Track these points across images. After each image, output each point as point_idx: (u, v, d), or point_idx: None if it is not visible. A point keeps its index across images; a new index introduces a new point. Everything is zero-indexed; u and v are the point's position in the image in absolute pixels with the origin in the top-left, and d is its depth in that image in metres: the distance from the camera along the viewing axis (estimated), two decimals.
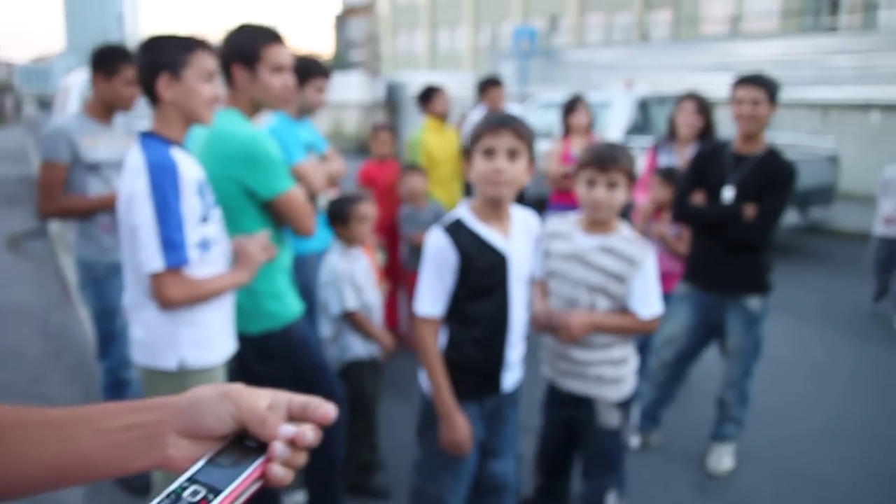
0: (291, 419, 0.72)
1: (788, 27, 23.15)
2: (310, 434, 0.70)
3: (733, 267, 3.30)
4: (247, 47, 2.40)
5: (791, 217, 8.37)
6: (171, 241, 1.96)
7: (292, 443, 0.69)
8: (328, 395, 2.71)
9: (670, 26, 28.49)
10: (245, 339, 2.48)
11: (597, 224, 2.42)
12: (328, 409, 0.73)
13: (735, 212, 3.22)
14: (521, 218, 2.26)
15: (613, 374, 2.47)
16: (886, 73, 11.68)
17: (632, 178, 2.36)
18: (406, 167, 4.79)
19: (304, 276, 3.17)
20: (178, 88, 2.04)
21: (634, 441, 2.68)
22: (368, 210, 3.21)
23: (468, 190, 5.46)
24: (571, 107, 5.06)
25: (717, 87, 9.92)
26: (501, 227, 2.17)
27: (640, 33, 29.70)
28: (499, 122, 2.06)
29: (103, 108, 3.31)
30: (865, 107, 11.65)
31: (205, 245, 2.08)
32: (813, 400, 4.16)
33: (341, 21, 52.72)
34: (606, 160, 2.31)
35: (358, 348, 3.16)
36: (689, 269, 3.53)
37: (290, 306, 2.58)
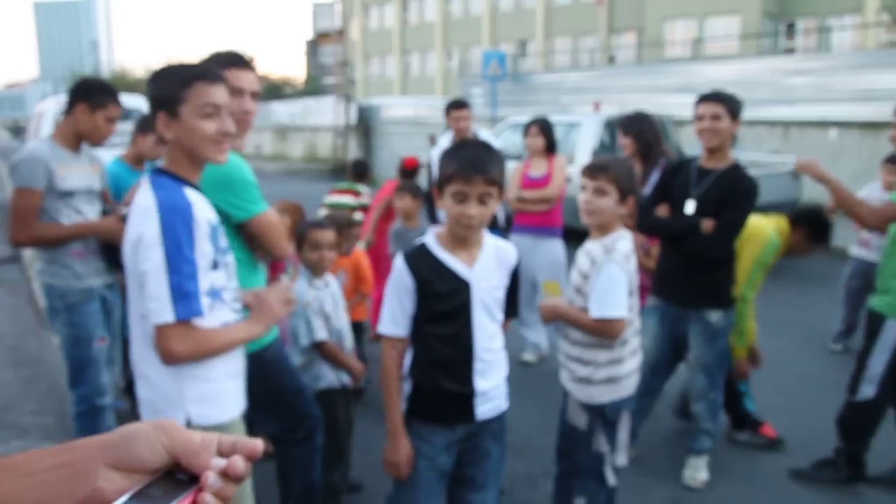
0: (221, 456, 0.73)
1: (748, 49, 23.77)
2: (240, 464, 0.71)
3: (693, 280, 3.38)
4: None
5: None
6: (183, 291, 1.80)
7: (224, 474, 0.70)
8: (305, 417, 2.74)
9: (635, 49, 29.06)
10: None
11: (593, 229, 2.66)
12: (256, 445, 0.74)
13: (694, 224, 3.31)
14: (494, 246, 2.26)
15: (583, 374, 2.64)
16: (841, 91, 12.05)
17: (622, 187, 2.56)
18: (400, 186, 4.87)
19: None
20: (177, 127, 1.90)
21: (621, 460, 2.69)
22: (323, 237, 3.11)
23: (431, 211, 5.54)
24: (527, 130, 5.17)
25: (681, 107, 10.16)
26: (467, 254, 2.18)
27: (606, 56, 30.23)
28: (472, 170, 2.04)
29: (74, 137, 3.28)
30: (823, 124, 11.99)
31: (214, 293, 1.91)
32: (785, 411, 4.24)
33: (313, 47, 52.98)
34: (594, 169, 2.58)
35: (329, 377, 3.13)
36: (655, 282, 3.61)
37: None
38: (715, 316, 3.39)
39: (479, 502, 2.33)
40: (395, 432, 2.20)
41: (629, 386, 2.69)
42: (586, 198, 2.59)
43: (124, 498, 0.67)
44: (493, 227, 4.53)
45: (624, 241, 2.60)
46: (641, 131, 4.37)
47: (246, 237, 2.44)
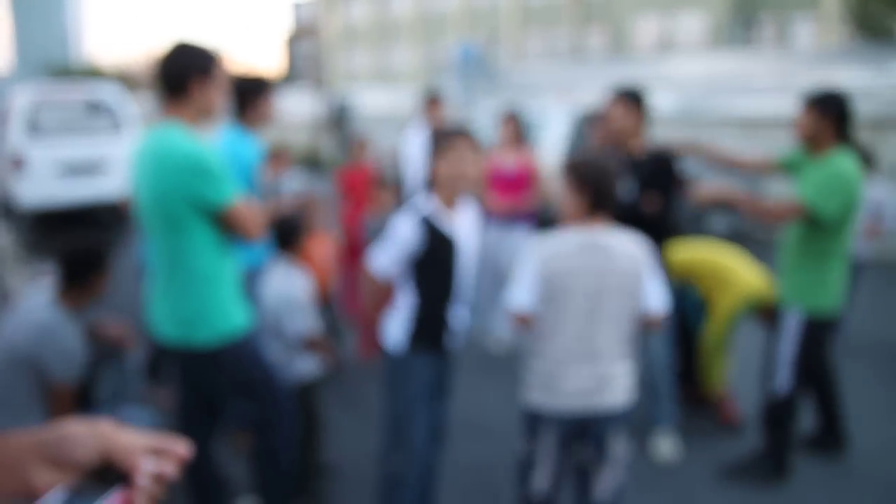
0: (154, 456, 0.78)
1: (717, 41, 24.15)
2: (170, 467, 0.77)
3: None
4: (209, 63, 2.52)
5: (719, 224, 8.85)
6: None
7: (154, 476, 0.75)
8: (277, 409, 2.76)
9: (605, 44, 29.35)
10: (192, 352, 2.53)
11: None
12: (183, 448, 0.79)
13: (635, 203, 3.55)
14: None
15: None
16: (804, 87, 12.39)
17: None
18: (381, 183, 5.10)
19: (258, 290, 3.21)
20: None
21: (540, 481, 2.48)
22: (313, 218, 3.38)
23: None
24: (498, 121, 5.35)
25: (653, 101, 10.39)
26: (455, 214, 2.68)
27: (576, 50, 30.47)
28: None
29: (81, 300, 2.94)
30: (786, 120, 12.32)
31: None
32: (746, 391, 4.46)
33: (294, 41, 52.82)
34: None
35: (308, 368, 3.19)
36: None
37: (238, 319, 2.61)
38: None
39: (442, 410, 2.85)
40: None
41: (565, 398, 2.40)
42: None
43: (54, 492, 0.71)
44: None
45: (567, 237, 2.43)
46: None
47: (221, 224, 2.50)
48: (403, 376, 2.70)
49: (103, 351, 3.14)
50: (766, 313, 3.87)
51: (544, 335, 2.43)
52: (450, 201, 2.64)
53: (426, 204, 2.66)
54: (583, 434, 2.43)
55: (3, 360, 2.68)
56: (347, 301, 5.19)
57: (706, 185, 3.34)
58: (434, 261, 2.64)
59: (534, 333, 2.47)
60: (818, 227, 3.12)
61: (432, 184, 2.64)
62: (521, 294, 2.43)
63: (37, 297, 2.84)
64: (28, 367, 2.66)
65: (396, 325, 2.72)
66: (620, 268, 2.37)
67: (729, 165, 3.61)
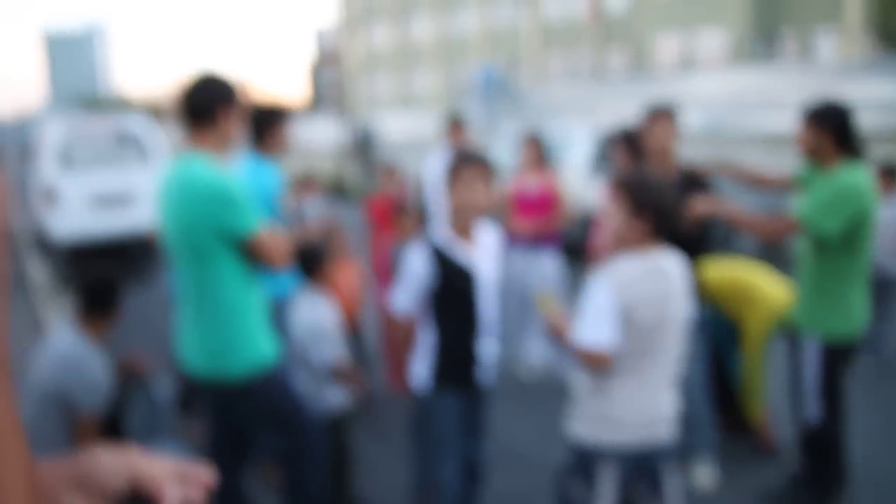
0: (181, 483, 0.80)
1: (739, 57, 24.04)
2: (196, 494, 0.79)
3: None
4: (231, 93, 2.57)
5: (748, 243, 8.73)
6: None
7: (181, 502, 0.78)
8: (307, 441, 2.74)
9: (626, 62, 29.35)
10: (222, 383, 2.54)
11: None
12: (208, 475, 0.82)
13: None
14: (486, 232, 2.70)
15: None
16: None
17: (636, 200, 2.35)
18: (402, 209, 5.08)
19: (285, 321, 3.21)
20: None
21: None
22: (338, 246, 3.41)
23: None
24: (520, 144, 5.34)
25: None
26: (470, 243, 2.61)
27: (598, 69, 30.51)
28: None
29: (101, 327, 3.08)
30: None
31: None
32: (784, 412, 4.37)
33: (317, 69, 53.80)
34: (613, 185, 2.41)
35: (337, 399, 3.17)
36: None
37: (266, 350, 2.60)
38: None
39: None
40: None
41: (628, 432, 2.27)
42: (604, 217, 2.37)
43: None
44: None
45: (633, 264, 2.27)
46: (632, 143, 4.49)
47: (246, 252, 2.51)
48: (431, 417, 2.62)
49: (131, 382, 3.18)
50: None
51: (618, 372, 2.24)
52: (463, 231, 2.58)
53: (439, 234, 2.61)
54: (640, 471, 2.32)
55: (35, 393, 2.74)
56: (378, 332, 5.18)
57: (700, 201, 3.21)
58: (451, 293, 2.56)
59: (603, 371, 2.26)
60: (827, 247, 2.98)
61: (447, 213, 2.61)
62: (598, 331, 2.20)
63: (64, 329, 2.91)
64: (56, 399, 2.72)
65: (421, 364, 2.65)
66: (678, 293, 2.30)
67: (754, 183, 3.54)
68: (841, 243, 2.96)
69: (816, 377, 3.11)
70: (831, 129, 2.99)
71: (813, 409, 3.15)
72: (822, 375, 3.10)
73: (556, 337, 2.40)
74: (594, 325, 2.22)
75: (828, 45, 24.35)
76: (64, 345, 2.82)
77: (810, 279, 3.13)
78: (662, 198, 2.27)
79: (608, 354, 2.20)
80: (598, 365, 2.23)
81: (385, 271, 5.14)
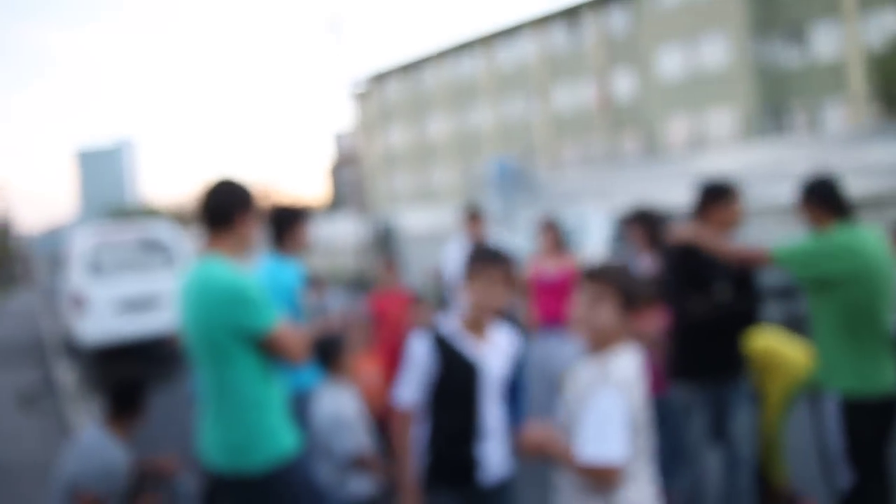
0: None
1: (749, 133, 24.40)
2: None
3: (735, 347, 3.49)
4: (249, 198, 2.68)
5: (775, 311, 8.64)
6: None
7: None
8: None
9: (638, 147, 29.88)
10: (243, 478, 2.53)
11: (589, 345, 2.19)
12: None
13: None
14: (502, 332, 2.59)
15: None
16: (839, 167, 12.38)
17: (624, 293, 2.14)
18: (416, 299, 5.09)
19: (307, 413, 3.23)
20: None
21: None
22: (358, 337, 3.40)
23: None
24: (536, 230, 5.42)
25: (686, 199, 10.46)
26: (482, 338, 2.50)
27: (610, 155, 31.04)
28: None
29: (127, 426, 3.22)
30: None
31: None
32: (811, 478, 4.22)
33: (337, 169, 55.47)
34: (589, 274, 2.19)
35: (360, 488, 3.15)
36: (689, 367, 3.53)
37: (287, 443, 2.60)
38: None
39: None
40: (408, 490, 2.43)
41: None
42: (580, 308, 2.15)
43: None
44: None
45: (626, 361, 2.12)
46: (647, 221, 4.49)
47: (265, 349, 2.55)
48: None
49: (153, 479, 3.20)
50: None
51: (625, 482, 2.07)
52: (476, 326, 2.49)
53: (447, 323, 2.52)
54: None
55: (59, 488, 2.78)
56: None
57: (678, 228, 3.37)
58: (449, 386, 2.43)
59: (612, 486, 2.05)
60: (835, 302, 3.08)
61: (462, 305, 2.52)
62: (609, 444, 2.01)
63: (91, 428, 2.99)
64: (67, 490, 2.77)
65: (415, 458, 2.48)
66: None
67: (724, 258, 3.39)
68: (821, 293, 3.11)
69: (841, 438, 3.06)
70: (818, 198, 3.25)
71: (844, 473, 3.07)
72: (846, 435, 3.04)
73: (546, 456, 2.13)
74: (604, 438, 2.01)
75: (835, 116, 24.71)
76: (88, 440, 2.89)
77: (824, 337, 3.18)
78: (647, 289, 2.18)
79: (619, 468, 2.01)
80: (607, 480, 2.02)
81: (395, 366, 5.05)
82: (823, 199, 3.25)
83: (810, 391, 3.74)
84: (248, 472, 2.54)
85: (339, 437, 3.07)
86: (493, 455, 2.49)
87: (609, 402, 2.04)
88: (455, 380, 2.43)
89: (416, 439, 2.50)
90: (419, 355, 2.45)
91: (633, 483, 2.09)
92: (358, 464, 3.11)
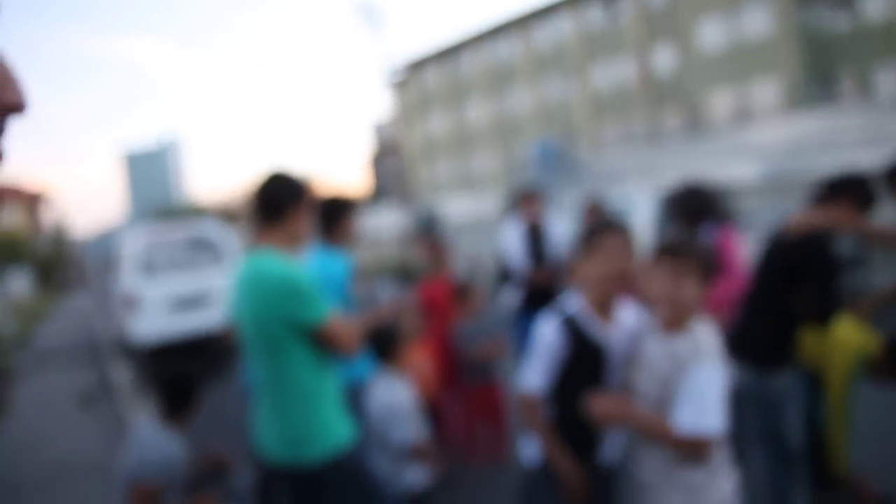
0: None
1: (795, 103, 23.68)
2: None
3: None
4: (301, 190, 2.69)
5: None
6: None
7: None
8: None
9: (681, 123, 29.28)
10: (301, 470, 2.56)
11: (666, 321, 2.26)
12: None
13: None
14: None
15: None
16: (893, 136, 11.94)
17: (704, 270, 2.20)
18: (464, 287, 5.00)
19: (362, 404, 3.25)
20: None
21: None
22: (410, 326, 3.37)
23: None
24: (582, 210, 5.34)
25: (732, 173, 10.24)
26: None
27: (652, 132, 30.50)
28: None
29: (181, 421, 3.29)
30: (878, 171, 11.85)
31: None
32: (877, 464, 4.12)
33: (378, 160, 55.81)
34: (671, 250, 2.24)
35: (417, 478, 3.16)
36: (789, 355, 3.40)
37: (343, 434, 2.62)
38: None
39: None
40: (562, 465, 2.33)
41: None
42: (661, 285, 2.20)
43: None
44: None
45: (710, 334, 2.20)
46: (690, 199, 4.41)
47: (318, 342, 2.57)
48: (537, 496, 2.42)
49: (210, 472, 3.27)
50: (879, 367, 3.63)
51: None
52: (602, 304, 2.34)
53: (572, 304, 2.40)
54: None
55: (121, 487, 2.87)
56: (444, 420, 5.04)
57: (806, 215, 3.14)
58: (577, 370, 2.33)
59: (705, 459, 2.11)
60: None
61: (579, 285, 2.40)
62: (715, 417, 2.07)
63: (146, 423, 3.06)
64: (127, 484, 2.85)
65: (535, 441, 2.44)
66: None
67: (882, 242, 3.25)
68: None
69: None
70: None
71: None
72: None
73: (626, 424, 2.23)
74: (704, 410, 2.07)
75: (887, 81, 23.82)
76: (144, 434, 2.97)
77: None
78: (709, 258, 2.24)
79: (715, 441, 2.07)
80: (703, 452, 2.08)
81: (447, 358, 4.95)
82: None
83: (872, 365, 3.63)
84: (304, 465, 2.56)
85: (395, 428, 3.10)
86: (613, 439, 2.42)
87: (708, 374, 2.09)
88: (584, 364, 2.34)
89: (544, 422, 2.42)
90: (548, 339, 2.35)
91: (718, 458, 2.15)
92: (414, 454, 3.12)
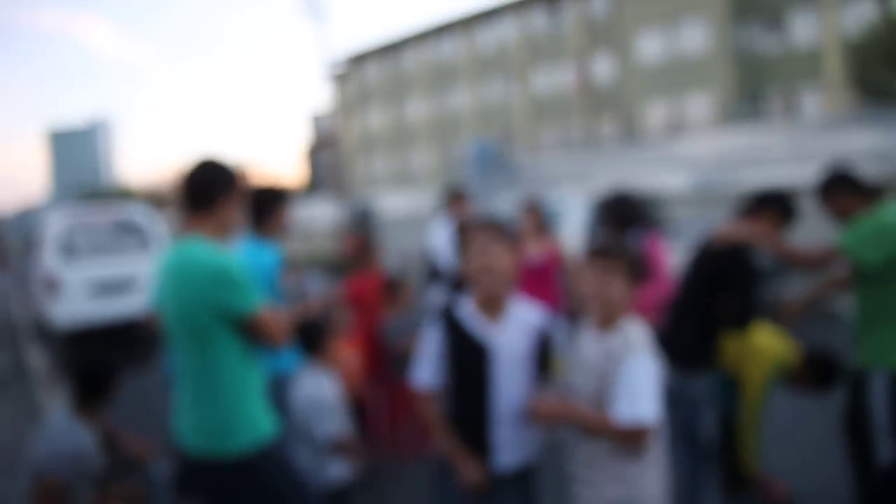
0: None
1: (726, 118, 24.58)
2: None
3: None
4: (233, 179, 2.62)
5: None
6: None
7: None
8: None
9: (617, 131, 29.99)
10: (221, 462, 2.51)
11: (598, 321, 2.34)
12: None
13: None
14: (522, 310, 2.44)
15: (617, 496, 2.27)
16: (815, 154, 12.50)
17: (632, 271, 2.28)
18: (394, 282, 4.98)
19: (287, 397, 3.21)
20: None
21: None
22: (337, 320, 3.33)
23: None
24: (519, 213, 5.38)
25: (663, 183, 10.54)
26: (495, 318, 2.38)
27: (589, 139, 31.12)
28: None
29: (95, 409, 3.20)
30: (801, 188, 12.36)
31: None
32: (784, 466, 4.28)
33: (314, 152, 55.04)
34: (600, 251, 2.31)
35: (339, 473, 3.15)
36: (710, 358, 3.50)
37: (266, 427, 2.59)
38: None
39: None
40: (458, 457, 2.35)
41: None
42: (589, 284, 2.29)
43: None
44: None
45: (640, 331, 2.29)
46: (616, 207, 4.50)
47: (245, 332, 2.52)
48: (439, 485, 2.46)
49: (126, 464, 3.17)
50: (797, 378, 3.80)
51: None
52: (487, 302, 2.35)
53: (460, 305, 2.43)
54: None
55: (27, 478, 2.75)
56: (369, 414, 5.03)
57: (729, 228, 3.33)
58: (460, 367, 2.36)
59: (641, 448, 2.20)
60: (870, 278, 3.14)
61: (469, 284, 2.41)
62: (650, 406, 2.15)
63: (58, 413, 2.94)
64: (34, 476, 2.74)
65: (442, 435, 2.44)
66: None
67: (790, 261, 3.36)
68: (885, 274, 3.12)
69: (889, 415, 3.12)
70: (850, 185, 3.27)
71: (887, 451, 3.14)
72: (893, 410, 3.12)
73: (566, 422, 2.25)
74: (639, 400, 2.14)
75: (811, 103, 24.97)
76: (55, 424, 2.86)
77: (868, 318, 3.24)
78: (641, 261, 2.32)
79: (652, 429, 2.15)
80: (641, 441, 2.16)
81: (373, 352, 4.89)
82: (854, 185, 3.28)
83: (788, 374, 3.80)
84: (225, 456, 2.51)
85: (319, 421, 3.07)
86: (508, 440, 2.37)
87: (641, 367, 2.17)
88: (466, 361, 2.35)
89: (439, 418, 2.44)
90: (430, 335, 2.42)
91: (655, 447, 2.24)
92: (337, 448, 3.10)
